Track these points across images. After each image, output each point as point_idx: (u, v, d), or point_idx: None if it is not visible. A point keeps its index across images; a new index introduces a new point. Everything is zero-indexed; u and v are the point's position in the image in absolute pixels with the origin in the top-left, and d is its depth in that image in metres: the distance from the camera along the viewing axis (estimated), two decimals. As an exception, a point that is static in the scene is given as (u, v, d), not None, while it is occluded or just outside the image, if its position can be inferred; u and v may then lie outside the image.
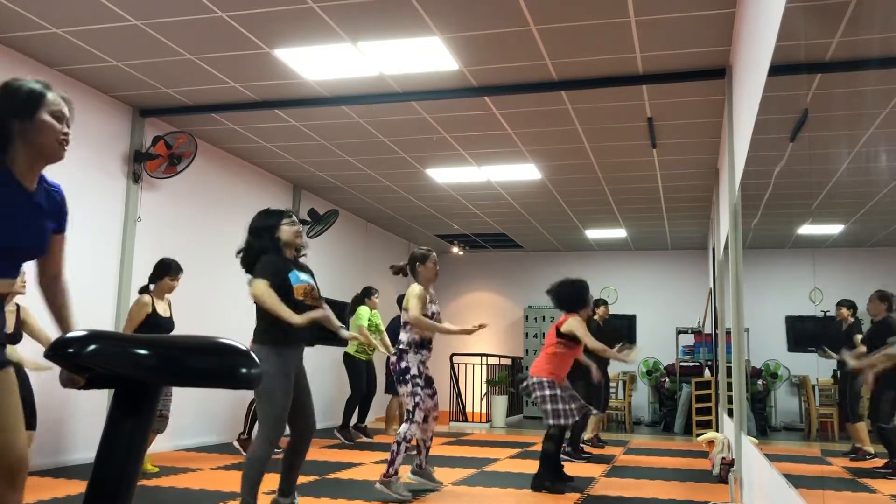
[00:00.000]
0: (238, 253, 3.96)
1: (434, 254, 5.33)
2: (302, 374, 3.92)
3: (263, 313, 3.80)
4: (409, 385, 5.02)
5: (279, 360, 3.72)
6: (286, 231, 3.90)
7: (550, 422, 5.50)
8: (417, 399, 4.99)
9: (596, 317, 8.39)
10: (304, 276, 3.89)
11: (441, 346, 13.69)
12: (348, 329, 8.63)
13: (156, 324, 5.45)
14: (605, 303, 8.64)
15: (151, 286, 5.56)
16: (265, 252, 3.86)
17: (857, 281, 2.20)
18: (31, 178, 2.36)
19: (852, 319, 2.27)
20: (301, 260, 4.05)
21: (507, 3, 4.66)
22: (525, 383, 5.68)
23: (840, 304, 2.39)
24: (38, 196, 2.40)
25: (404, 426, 4.98)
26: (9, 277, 2.34)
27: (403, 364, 5.05)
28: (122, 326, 5.55)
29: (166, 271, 5.57)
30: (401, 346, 5.11)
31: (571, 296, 5.78)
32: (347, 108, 6.60)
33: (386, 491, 4.88)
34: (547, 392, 5.51)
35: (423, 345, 5.12)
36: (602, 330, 8.18)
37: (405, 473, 5.45)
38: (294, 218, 3.98)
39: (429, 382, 5.15)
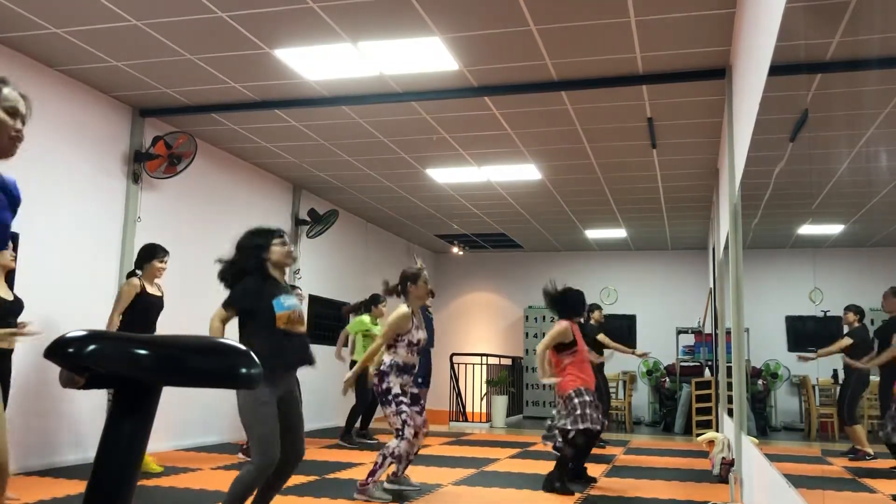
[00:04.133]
0: (220, 267, 3.76)
1: (425, 272, 5.22)
2: (293, 399, 3.72)
3: (245, 340, 3.63)
4: (393, 405, 4.95)
5: (258, 389, 3.53)
6: (276, 251, 3.72)
7: (580, 426, 5.41)
8: (404, 416, 4.92)
9: (592, 321, 8.39)
10: (289, 302, 3.68)
11: (441, 346, 13.69)
12: (347, 333, 8.62)
13: (148, 303, 5.53)
14: (598, 307, 8.62)
15: (138, 272, 5.62)
16: (247, 272, 3.69)
17: (857, 281, 2.20)
18: None
19: (858, 325, 2.27)
20: (294, 264, 3.90)
21: (507, 3, 4.66)
22: (556, 410, 5.67)
23: (848, 308, 2.38)
24: None
25: (394, 442, 4.92)
26: None
27: (385, 385, 4.97)
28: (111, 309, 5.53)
29: (153, 254, 5.61)
30: (382, 368, 5.00)
31: (565, 304, 5.83)
32: (347, 108, 6.60)
33: (364, 498, 4.88)
34: (576, 399, 5.49)
35: (406, 370, 5.02)
36: (604, 330, 8.29)
37: (382, 479, 5.41)
38: (285, 238, 3.80)
39: (415, 400, 5.11)
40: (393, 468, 5.28)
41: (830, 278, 2.47)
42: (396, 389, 4.97)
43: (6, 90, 2.24)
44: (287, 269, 3.89)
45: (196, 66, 5.75)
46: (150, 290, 5.59)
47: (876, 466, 2.17)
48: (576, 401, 5.48)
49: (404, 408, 4.95)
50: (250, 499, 3.70)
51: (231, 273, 3.74)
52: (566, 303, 5.82)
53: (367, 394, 8.22)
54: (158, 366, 1.04)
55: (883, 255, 1.90)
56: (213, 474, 5.75)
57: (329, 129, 7.23)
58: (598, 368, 8.01)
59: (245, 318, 3.66)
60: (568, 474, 5.56)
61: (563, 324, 5.66)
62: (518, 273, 14.16)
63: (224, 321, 3.65)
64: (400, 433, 4.92)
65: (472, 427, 11.02)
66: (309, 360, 3.76)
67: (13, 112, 2.23)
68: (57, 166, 5.90)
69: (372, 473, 4.90)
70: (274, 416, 3.56)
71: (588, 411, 5.45)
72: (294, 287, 3.88)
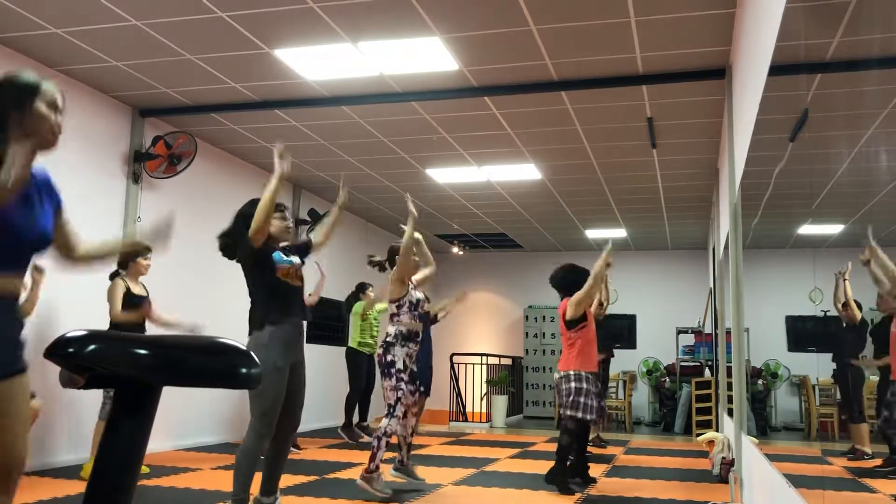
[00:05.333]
0: (219, 243, 3.87)
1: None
2: (299, 368, 3.82)
3: (256, 295, 3.76)
4: (393, 379, 4.97)
5: (275, 348, 3.62)
6: (275, 224, 3.81)
7: (568, 412, 5.44)
8: (400, 394, 4.95)
9: None
10: (287, 258, 3.83)
11: (441, 346, 13.69)
12: (349, 324, 8.67)
13: (134, 304, 5.52)
14: (600, 304, 8.61)
15: (122, 271, 5.62)
16: (243, 237, 3.75)
17: (857, 281, 2.20)
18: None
19: (859, 316, 2.27)
20: (291, 239, 3.99)
21: (507, 3, 4.66)
22: (556, 382, 5.68)
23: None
24: (33, 181, 2.37)
25: (384, 421, 4.94)
26: (17, 272, 2.30)
27: (389, 357, 5.00)
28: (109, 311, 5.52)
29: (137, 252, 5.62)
30: (387, 339, 5.06)
31: (560, 280, 5.83)
32: (347, 108, 6.60)
33: (367, 487, 4.86)
34: (573, 385, 5.50)
35: (410, 337, 5.07)
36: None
37: (387, 471, 5.43)
38: (286, 213, 3.90)
39: (413, 378, 5.12)
40: (394, 455, 5.28)
41: (830, 278, 2.47)
42: (400, 364, 5.00)
43: (45, 85, 2.29)
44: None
45: (196, 66, 5.75)
46: (135, 290, 5.58)
47: (874, 466, 2.17)
48: (572, 385, 5.48)
49: (402, 385, 4.97)
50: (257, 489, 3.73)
51: (229, 243, 3.84)
52: (573, 279, 5.78)
53: (360, 381, 8.25)
54: (158, 366, 1.04)
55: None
56: (213, 474, 5.75)
57: (329, 129, 7.23)
58: (604, 365, 8.01)
59: (252, 271, 3.78)
60: (568, 471, 5.55)
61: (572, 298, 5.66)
62: (518, 273, 14.15)
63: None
64: (391, 410, 4.94)
65: (472, 427, 11.03)
66: (305, 315, 3.92)
67: (54, 106, 2.29)
68: (56, 166, 5.87)
69: (372, 458, 4.90)
70: (283, 387, 3.66)
71: (583, 399, 5.45)
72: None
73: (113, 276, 5.64)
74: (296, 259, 3.91)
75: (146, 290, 5.72)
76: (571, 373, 5.52)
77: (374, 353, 8.35)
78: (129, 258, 5.63)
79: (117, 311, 5.42)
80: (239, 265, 3.90)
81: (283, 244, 3.92)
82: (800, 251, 2.99)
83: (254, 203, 3.84)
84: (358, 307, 8.42)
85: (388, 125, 7.07)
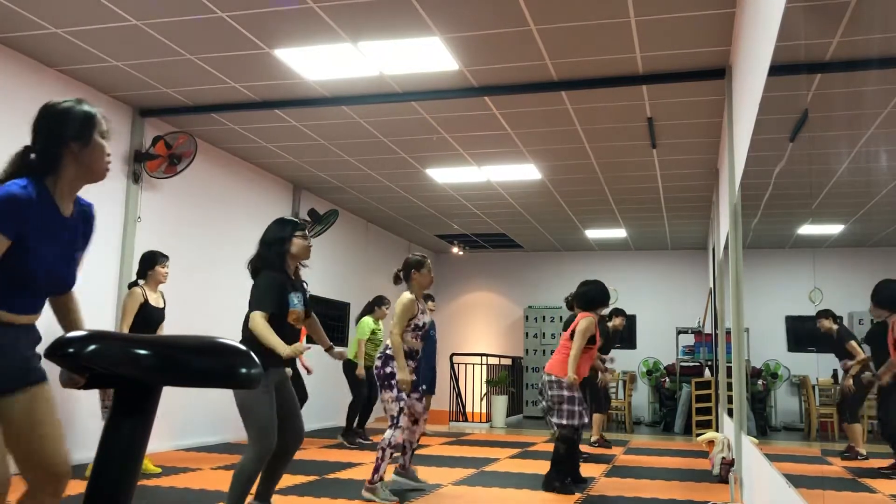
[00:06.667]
0: (249, 264, 3.92)
1: (429, 260, 5.28)
2: (285, 383, 3.84)
3: (249, 334, 3.75)
4: (394, 391, 4.97)
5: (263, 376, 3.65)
6: (297, 244, 3.83)
7: (564, 422, 5.47)
8: (402, 404, 4.95)
9: (611, 324, 8.39)
10: (297, 299, 3.83)
11: (441, 346, 13.70)
12: (348, 339, 8.63)
13: (148, 315, 5.49)
14: (621, 313, 8.57)
15: (140, 281, 5.60)
16: (269, 266, 3.79)
17: (857, 281, 2.20)
18: (69, 200, 2.31)
19: (836, 327, 2.27)
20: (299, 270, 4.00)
21: (507, 3, 4.66)
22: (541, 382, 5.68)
23: (819, 315, 2.38)
24: (74, 220, 2.33)
25: (388, 432, 4.94)
26: (35, 312, 2.26)
27: (388, 370, 4.99)
28: (119, 322, 5.50)
29: (155, 261, 5.61)
30: (387, 352, 5.05)
31: (582, 295, 5.84)
32: (347, 108, 6.60)
33: (372, 497, 4.89)
34: (565, 392, 5.51)
35: (410, 355, 5.06)
36: (609, 337, 8.26)
37: (389, 473, 5.44)
38: (306, 232, 3.91)
39: (414, 387, 5.12)
40: (395, 465, 5.30)
41: (830, 278, 2.47)
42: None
43: (98, 114, 2.29)
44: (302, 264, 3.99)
45: (196, 66, 5.75)
46: (153, 300, 5.54)
47: (871, 466, 2.17)
48: (563, 393, 5.49)
49: (403, 395, 4.97)
50: (252, 490, 3.73)
51: (254, 267, 3.88)
52: (589, 295, 5.81)
53: (362, 389, 8.21)
54: (158, 366, 1.04)
55: (883, 255, 1.90)
56: (213, 474, 5.76)
57: (329, 129, 7.23)
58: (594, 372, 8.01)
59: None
60: (566, 473, 5.55)
61: (588, 318, 5.65)
62: (518, 273, 14.16)
63: (267, 321, 3.74)
64: (395, 421, 4.94)
65: (472, 427, 11.02)
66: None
67: (106, 136, 2.30)
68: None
69: (376, 470, 4.91)
70: (273, 404, 3.67)
71: (566, 407, 5.48)
72: (304, 283, 3.98)
73: (132, 286, 5.58)
74: (299, 301, 3.89)
75: (164, 300, 5.69)
76: (564, 380, 5.53)
77: (371, 367, 8.26)
78: (148, 266, 5.60)
79: (125, 329, 5.36)
80: (247, 276, 3.93)
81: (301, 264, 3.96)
82: (800, 251, 2.99)
83: (281, 223, 3.87)
84: (363, 329, 8.02)
85: (388, 125, 7.07)
